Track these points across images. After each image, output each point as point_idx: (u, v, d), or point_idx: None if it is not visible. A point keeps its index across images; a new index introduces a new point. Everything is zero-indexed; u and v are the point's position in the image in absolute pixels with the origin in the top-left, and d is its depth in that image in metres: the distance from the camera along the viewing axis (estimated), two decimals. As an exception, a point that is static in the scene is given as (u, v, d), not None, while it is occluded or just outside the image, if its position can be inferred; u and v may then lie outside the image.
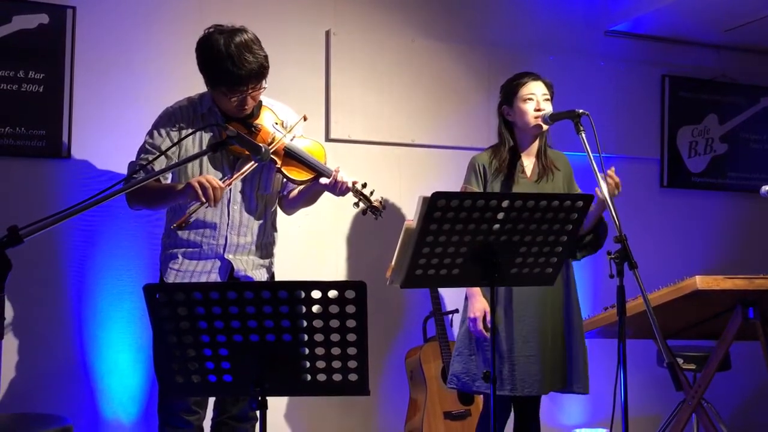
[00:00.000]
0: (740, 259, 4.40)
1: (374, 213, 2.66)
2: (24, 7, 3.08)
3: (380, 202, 2.66)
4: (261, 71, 2.46)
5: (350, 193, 2.62)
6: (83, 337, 3.16)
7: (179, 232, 2.56)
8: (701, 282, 2.79)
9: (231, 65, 2.40)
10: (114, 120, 3.20)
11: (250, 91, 2.47)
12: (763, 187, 3.06)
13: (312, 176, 2.61)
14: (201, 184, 2.36)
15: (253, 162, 2.48)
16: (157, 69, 3.29)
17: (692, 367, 3.44)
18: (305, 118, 2.66)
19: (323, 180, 2.59)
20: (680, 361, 3.43)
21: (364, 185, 2.63)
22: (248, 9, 3.44)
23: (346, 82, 3.64)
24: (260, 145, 2.28)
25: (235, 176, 2.50)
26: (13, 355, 3.03)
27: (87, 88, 3.19)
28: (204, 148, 2.56)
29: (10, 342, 3.02)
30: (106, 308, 3.18)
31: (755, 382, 4.41)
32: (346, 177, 2.59)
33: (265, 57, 2.47)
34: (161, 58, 3.30)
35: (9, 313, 1.51)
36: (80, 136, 3.17)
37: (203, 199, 2.37)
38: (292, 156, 2.60)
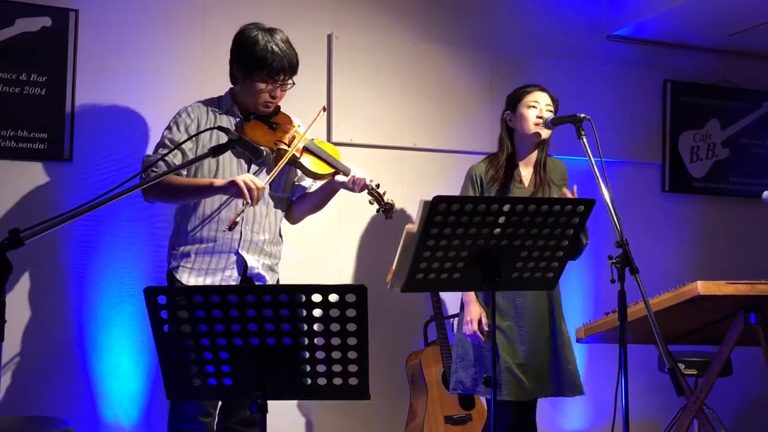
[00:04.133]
0: (742, 264, 4.40)
1: (386, 212, 2.76)
2: (27, 10, 3.09)
3: (392, 201, 2.76)
4: (297, 65, 2.67)
5: (365, 192, 2.73)
6: (84, 340, 3.15)
7: (190, 229, 2.61)
8: (703, 287, 2.78)
9: (275, 53, 2.58)
10: (116, 123, 3.20)
11: (283, 83, 2.63)
12: (765, 192, 3.05)
13: (331, 171, 2.70)
14: (247, 185, 2.45)
15: (287, 158, 2.60)
16: (160, 72, 3.29)
17: (693, 372, 3.43)
18: (325, 109, 2.82)
19: (341, 177, 2.70)
20: (681, 366, 3.42)
21: (378, 185, 2.74)
22: (250, 12, 3.43)
23: (347, 85, 3.64)
24: (261, 148, 2.30)
25: (272, 174, 2.59)
26: (14, 358, 3.03)
27: (89, 90, 3.19)
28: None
29: (11, 344, 3.01)
30: (107, 311, 3.18)
31: (757, 388, 4.40)
32: (362, 174, 2.70)
33: (297, 56, 2.67)
34: (164, 62, 3.30)
35: (10, 315, 1.51)
36: (82, 139, 3.17)
37: (248, 200, 2.46)
38: (311, 152, 2.70)
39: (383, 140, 3.72)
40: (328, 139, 3.58)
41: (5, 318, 1.60)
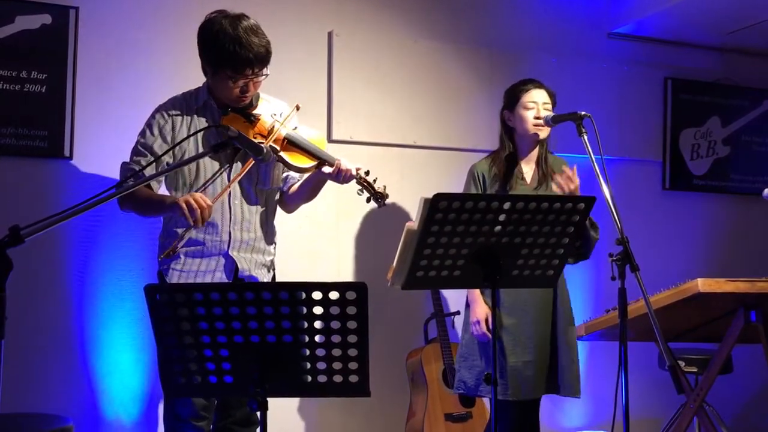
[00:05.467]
0: (742, 262, 4.40)
1: (378, 200, 2.66)
2: (27, 8, 3.08)
3: (383, 189, 2.66)
4: (266, 55, 2.48)
5: (353, 181, 2.62)
6: (84, 338, 3.16)
7: (179, 231, 2.54)
8: (703, 285, 2.78)
9: (238, 47, 2.41)
10: (116, 120, 3.20)
11: (254, 76, 2.47)
12: (766, 190, 3.05)
13: (315, 163, 2.59)
14: (188, 205, 2.32)
15: (251, 163, 2.48)
16: (160, 69, 3.29)
17: (694, 369, 3.43)
18: (298, 108, 2.65)
19: (326, 168, 2.58)
20: (682, 363, 3.42)
21: (367, 173, 2.64)
22: (250, 10, 3.42)
23: (348, 83, 3.64)
24: (262, 145, 2.27)
25: (230, 183, 2.50)
26: (14, 355, 3.02)
27: (89, 88, 3.19)
28: (201, 146, 2.55)
29: (11, 342, 3.00)
30: (107, 308, 3.19)
31: (757, 385, 4.41)
32: (349, 164, 2.59)
33: (269, 42, 2.49)
34: (164, 59, 3.30)
35: (10, 312, 1.52)
36: (82, 137, 3.17)
37: (191, 222, 2.34)
38: (293, 144, 2.58)
39: (383, 138, 3.72)
40: (328, 137, 3.58)
41: (6, 315, 1.60)
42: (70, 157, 3.15)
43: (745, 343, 3.09)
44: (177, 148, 2.53)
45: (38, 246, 2.85)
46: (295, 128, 2.63)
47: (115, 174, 3.10)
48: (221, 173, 2.54)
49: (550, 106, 2.94)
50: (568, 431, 4.02)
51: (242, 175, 2.53)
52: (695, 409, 3.03)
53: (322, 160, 2.59)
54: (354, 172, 2.59)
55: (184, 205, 2.32)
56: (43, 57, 3.10)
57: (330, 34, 3.63)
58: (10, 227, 1.62)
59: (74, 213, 1.76)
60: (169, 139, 2.55)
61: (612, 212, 2.40)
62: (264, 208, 2.66)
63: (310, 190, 2.73)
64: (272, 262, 2.73)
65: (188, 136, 2.51)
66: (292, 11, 3.57)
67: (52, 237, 3.08)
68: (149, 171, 2.48)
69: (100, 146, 3.19)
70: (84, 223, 3.14)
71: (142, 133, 2.58)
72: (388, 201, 2.71)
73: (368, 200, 2.67)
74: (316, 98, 3.59)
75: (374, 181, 2.65)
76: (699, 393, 3.04)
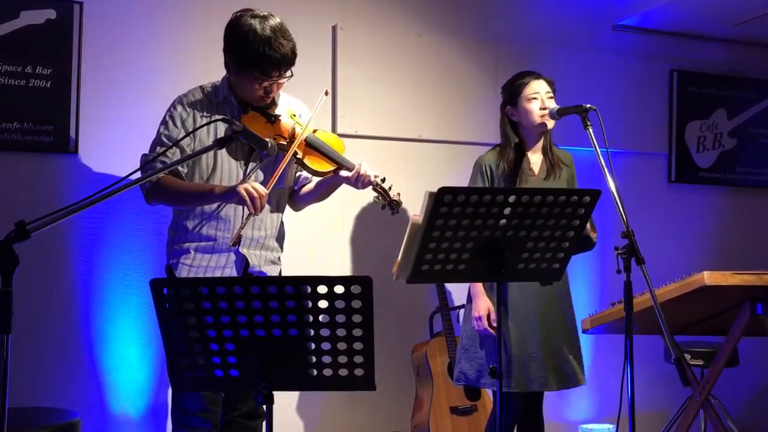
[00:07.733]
0: (748, 255, 4.39)
1: (392, 208, 2.64)
2: (31, 3, 3.09)
3: (398, 196, 2.65)
4: (293, 57, 2.48)
5: (369, 187, 2.61)
6: (91, 332, 3.17)
7: (190, 225, 2.55)
8: (709, 277, 2.77)
9: (267, 48, 2.40)
10: (121, 115, 3.21)
11: (279, 78, 2.47)
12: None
13: (333, 168, 2.58)
14: (249, 194, 2.34)
15: (287, 160, 2.48)
16: (164, 64, 3.29)
17: (700, 362, 3.42)
18: (327, 93, 2.65)
19: (345, 173, 2.57)
20: (688, 356, 3.41)
21: (383, 180, 2.63)
22: (255, 3, 3.43)
23: (352, 76, 3.64)
24: (266, 140, 2.27)
25: (273, 178, 2.48)
26: (21, 350, 3.04)
27: (94, 83, 3.19)
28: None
29: (19, 336, 3.02)
30: (114, 303, 3.20)
31: (763, 378, 4.40)
32: (369, 170, 2.57)
33: (295, 44, 2.48)
34: (168, 53, 3.30)
35: (17, 307, 1.53)
36: (88, 132, 3.18)
37: (252, 210, 2.36)
38: (313, 147, 2.58)
39: (388, 132, 3.72)
40: (333, 131, 3.57)
41: (12, 310, 1.60)
42: (76, 152, 3.16)
43: (751, 336, 3.09)
44: (197, 141, 2.53)
45: (45, 241, 2.86)
46: (315, 131, 2.63)
47: (120, 168, 3.11)
48: (251, 172, 2.54)
49: (552, 95, 2.93)
50: (574, 424, 4.02)
51: (259, 168, 2.53)
52: (701, 402, 3.03)
53: (341, 165, 2.58)
54: (372, 179, 2.58)
55: (244, 193, 2.34)
56: (47, 52, 3.10)
57: (334, 28, 3.63)
58: (16, 222, 1.62)
59: (81, 207, 1.76)
60: (191, 131, 2.53)
61: (617, 205, 2.40)
62: (276, 207, 2.67)
63: (324, 192, 2.74)
64: (279, 258, 2.74)
65: (204, 124, 2.50)
66: (296, 5, 3.56)
67: (58, 232, 3.08)
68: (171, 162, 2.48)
69: (106, 141, 3.20)
70: (91, 218, 3.15)
71: (165, 124, 2.56)
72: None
73: (383, 207, 2.64)
74: (320, 92, 3.56)
75: (389, 188, 2.63)
76: (705, 386, 3.03)
